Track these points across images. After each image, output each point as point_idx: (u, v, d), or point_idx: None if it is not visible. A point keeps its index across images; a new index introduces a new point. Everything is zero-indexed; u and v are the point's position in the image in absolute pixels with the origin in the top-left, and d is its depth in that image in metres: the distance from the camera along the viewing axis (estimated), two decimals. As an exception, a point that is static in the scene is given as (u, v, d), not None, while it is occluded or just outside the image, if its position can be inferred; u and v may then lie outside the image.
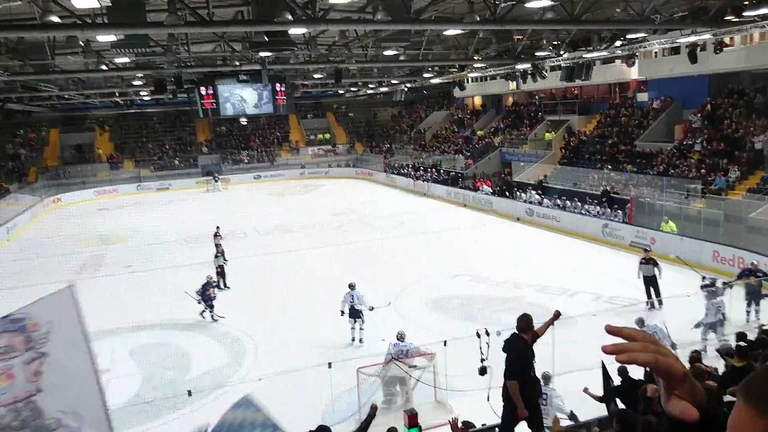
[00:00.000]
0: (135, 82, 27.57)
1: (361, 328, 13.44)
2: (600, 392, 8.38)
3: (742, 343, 6.87)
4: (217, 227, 21.69)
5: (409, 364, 10.07)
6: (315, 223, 27.62)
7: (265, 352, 13.10)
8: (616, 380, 8.25)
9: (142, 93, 31.53)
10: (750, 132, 21.80)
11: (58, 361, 4.63)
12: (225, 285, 18.22)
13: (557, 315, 6.55)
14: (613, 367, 8.66)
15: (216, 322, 15.28)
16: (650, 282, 15.02)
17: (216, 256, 18.49)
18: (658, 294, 14.75)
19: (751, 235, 17.97)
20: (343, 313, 13.46)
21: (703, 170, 21.99)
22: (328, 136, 50.58)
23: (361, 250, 22.14)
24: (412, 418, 7.68)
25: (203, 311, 15.47)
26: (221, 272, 18.28)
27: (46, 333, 4.62)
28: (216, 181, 41.41)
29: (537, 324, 6.38)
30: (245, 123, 46.53)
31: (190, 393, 7.89)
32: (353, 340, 13.47)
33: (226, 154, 46.84)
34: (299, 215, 29.63)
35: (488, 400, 7.89)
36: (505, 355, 6.16)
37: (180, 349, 13.63)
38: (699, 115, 24.66)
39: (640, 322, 11.28)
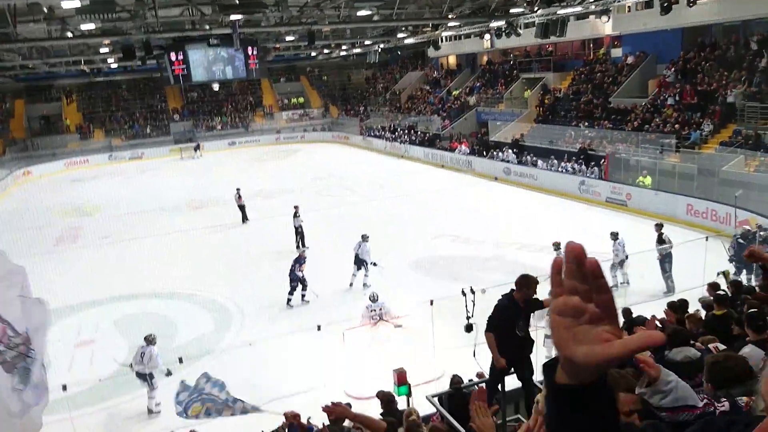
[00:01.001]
0: (102, 50, 26.77)
1: (365, 275, 14.76)
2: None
3: (721, 293, 7.12)
4: (237, 189, 22.13)
5: (395, 324, 10.23)
6: (295, 188, 27.45)
7: (252, 317, 13.17)
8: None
9: (109, 60, 30.65)
10: (723, 85, 22.03)
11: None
12: (303, 245, 18.01)
13: None
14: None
15: (290, 306, 13.77)
16: (665, 261, 13.27)
17: (295, 216, 18.29)
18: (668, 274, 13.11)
19: (723, 187, 18.35)
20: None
21: (677, 125, 22.26)
22: (302, 100, 49.90)
23: (343, 214, 22.16)
24: (401, 377, 7.83)
25: (303, 294, 13.94)
26: (300, 232, 18.23)
27: None
28: (197, 150, 40.92)
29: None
30: (217, 89, 45.58)
31: (181, 360, 7.94)
32: (350, 285, 14.69)
33: (199, 121, 46.02)
34: (278, 181, 29.43)
35: (474, 356, 8.06)
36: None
37: (164, 318, 13.60)
38: (672, 69, 24.81)
39: (614, 235, 13.43)
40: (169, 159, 40.16)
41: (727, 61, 22.84)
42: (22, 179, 34.67)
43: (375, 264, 14.57)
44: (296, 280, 13.70)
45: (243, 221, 21.90)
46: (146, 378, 9.80)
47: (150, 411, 9.90)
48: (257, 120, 47.34)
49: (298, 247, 17.52)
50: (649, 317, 8.58)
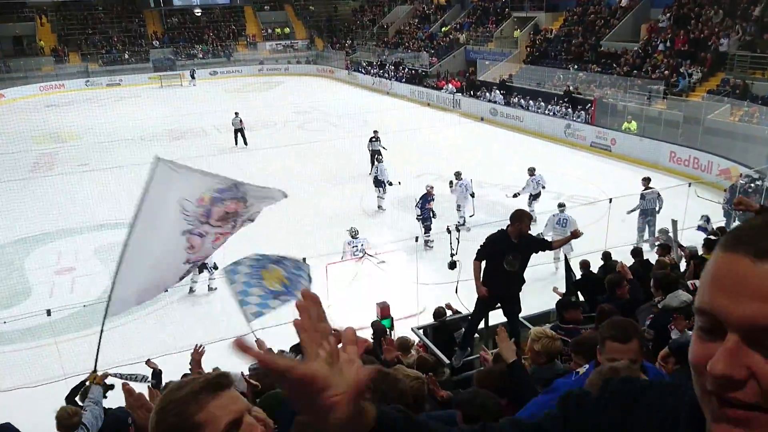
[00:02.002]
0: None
1: (380, 197, 15.55)
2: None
3: (712, 237, 7.33)
4: (236, 113, 22.58)
5: (379, 260, 10.31)
6: (277, 122, 27.05)
7: (236, 248, 13.14)
8: (578, 275, 8.66)
9: (85, -22, 29.24)
10: (715, 33, 21.78)
11: None
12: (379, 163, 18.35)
13: (576, 235, 6.41)
14: (575, 262, 9.08)
15: (431, 248, 12.66)
16: (649, 217, 12.86)
17: (371, 140, 18.58)
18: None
19: (707, 136, 18.46)
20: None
21: (666, 72, 22.10)
22: (287, 30, 48.45)
23: (326, 149, 21.94)
24: (384, 310, 7.96)
25: (427, 239, 12.86)
26: (376, 157, 18.13)
27: (246, 221, 4.86)
28: (192, 77, 40.07)
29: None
30: (199, 14, 44.06)
31: (166, 289, 7.92)
32: (379, 207, 15.62)
33: (179, 48, 44.56)
34: (260, 113, 28.85)
35: (456, 292, 8.19)
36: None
37: (146, 248, 13.53)
38: (667, 14, 24.40)
39: (531, 170, 14.25)
40: (148, 87, 39.03)
41: (722, 8, 22.50)
42: (-5, 102, 33.60)
43: (390, 183, 15.25)
44: (428, 219, 13.10)
45: (245, 144, 22.69)
46: (206, 266, 11.31)
47: (210, 288, 11.62)
48: (240, 49, 45.99)
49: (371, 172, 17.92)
50: (627, 262, 8.80)
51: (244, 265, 5.98)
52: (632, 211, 12.93)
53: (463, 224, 13.44)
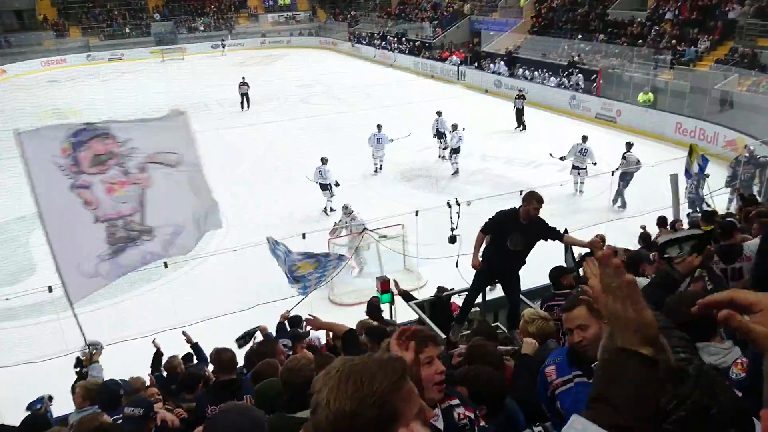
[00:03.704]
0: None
1: (443, 148, 16.96)
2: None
3: (708, 209, 7.33)
4: (243, 77, 24.38)
5: (380, 234, 10.30)
6: (279, 96, 26.85)
7: (236, 225, 13.16)
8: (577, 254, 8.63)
9: (83, -49, 28.84)
10: (725, 1, 21.32)
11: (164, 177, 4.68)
12: (523, 126, 19.97)
13: (596, 249, 6.01)
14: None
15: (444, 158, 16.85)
16: (627, 178, 13.10)
17: (517, 98, 20.10)
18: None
19: (714, 106, 18.21)
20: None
21: (673, 41, 21.71)
22: (288, 2, 47.80)
23: (329, 123, 21.80)
24: (384, 285, 7.96)
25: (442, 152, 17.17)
26: (520, 113, 19.71)
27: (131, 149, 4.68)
28: (223, 47, 40.50)
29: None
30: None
31: (166, 265, 7.97)
32: (441, 156, 17.12)
33: (180, 21, 44.08)
34: (262, 87, 28.63)
35: (457, 266, 8.17)
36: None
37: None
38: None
39: (454, 126, 15.83)
40: (150, 61, 38.76)
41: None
42: (-3, 78, 33.45)
43: (456, 127, 16.06)
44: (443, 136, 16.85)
45: (249, 107, 24.31)
46: (327, 187, 13.26)
47: (325, 210, 13.49)
48: (241, 22, 45.48)
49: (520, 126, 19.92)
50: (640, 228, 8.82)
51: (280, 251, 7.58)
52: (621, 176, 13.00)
53: (375, 173, 16.06)
